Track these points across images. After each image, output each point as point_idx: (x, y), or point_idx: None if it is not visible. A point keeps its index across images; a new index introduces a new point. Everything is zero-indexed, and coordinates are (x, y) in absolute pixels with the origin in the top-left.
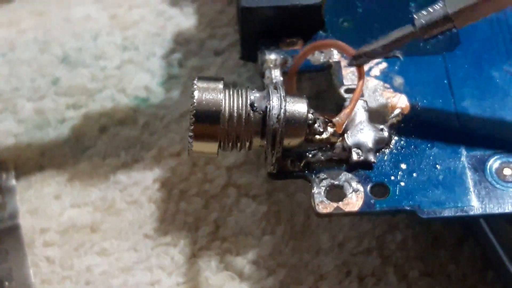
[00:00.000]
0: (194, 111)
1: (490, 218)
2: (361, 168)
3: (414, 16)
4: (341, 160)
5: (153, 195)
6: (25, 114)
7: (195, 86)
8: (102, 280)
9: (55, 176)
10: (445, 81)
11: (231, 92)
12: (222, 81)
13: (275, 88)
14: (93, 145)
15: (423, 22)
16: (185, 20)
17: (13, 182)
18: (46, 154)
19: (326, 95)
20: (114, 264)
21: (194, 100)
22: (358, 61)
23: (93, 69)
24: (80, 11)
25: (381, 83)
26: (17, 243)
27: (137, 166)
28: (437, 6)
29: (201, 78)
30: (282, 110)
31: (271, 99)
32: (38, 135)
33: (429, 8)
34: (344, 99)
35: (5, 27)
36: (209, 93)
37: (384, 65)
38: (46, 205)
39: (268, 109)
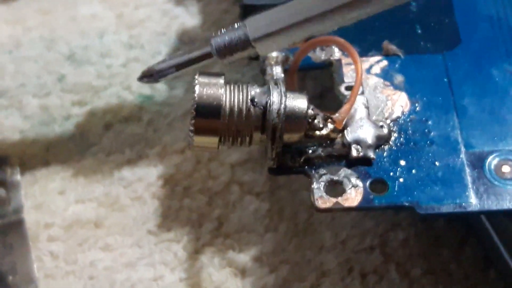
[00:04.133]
0: (195, 106)
1: (492, 217)
2: (360, 164)
3: (212, 35)
4: (341, 156)
5: (157, 192)
6: (30, 111)
7: (196, 81)
8: (105, 275)
9: (60, 171)
10: (445, 80)
11: (232, 87)
12: (223, 77)
13: (276, 84)
14: (98, 142)
15: (221, 43)
16: (190, 19)
17: (18, 177)
18: (51, 150)
19: (330, 95)
20: (117, 260)
21: (195, 95)
22: (148, 79)
23: (99, 66)
24: (86, 10)
25: (382, 80)
26: (21, 237)
27: (141, 163)
28: (237, 27)
29: (202, 73)
30: (282, 106)
31: (271, 94)
32: (44, 131)
33: (229, 29)
34: (344, 96)
35: (12, 24)
36: (210, 88)
37: (384, 63)
38: (50, 200)
39: (268, 104)
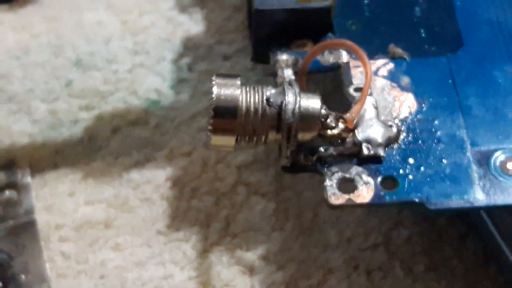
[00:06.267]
0: (213, 106)
1: (493, 212)
2: (371, 162)
3: None
4: (352, 154)
5: (165, 193)
6: (39, 115)
7: (214, 82)
8: (116, 274)
9: (69, 174)
10: (450, 81)
11: (248, 88)
12: (239, 78)
13: (290, 84)
14: (106, 145)
15: None
16: (194, 26)
17: (28, 179)
18: (60, 153)
19: (332, 98)
20: (128, 259)
21: (213, 96)
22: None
23: (105, 72)
24: (92, 17)
25: (389, 82)
26: (33, 238)
27: (149, 165)
28: None
29: (219, 75)
30: (297, 105)
31: (287, 94)
32: (52, 135)
33: None
34: (353, 98)
35: (19, 31)
36: (227, 89)
37: (391, 65)
38: (61, 202)
39: (283, 104)
